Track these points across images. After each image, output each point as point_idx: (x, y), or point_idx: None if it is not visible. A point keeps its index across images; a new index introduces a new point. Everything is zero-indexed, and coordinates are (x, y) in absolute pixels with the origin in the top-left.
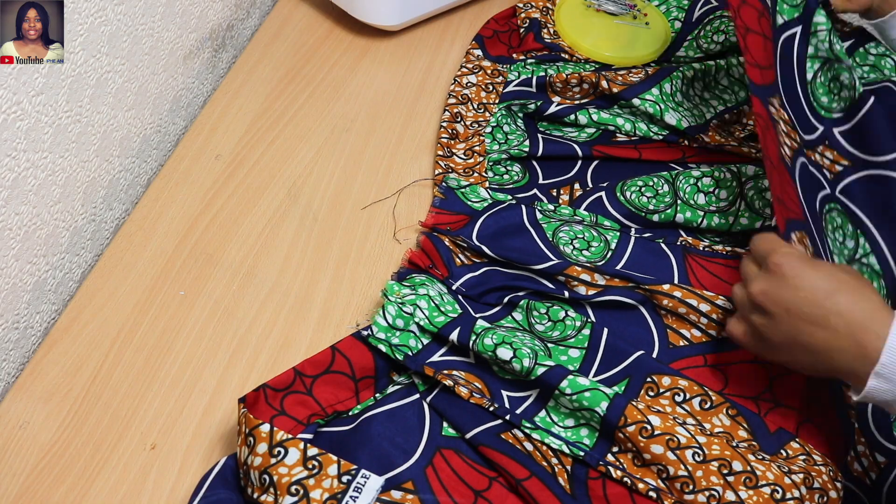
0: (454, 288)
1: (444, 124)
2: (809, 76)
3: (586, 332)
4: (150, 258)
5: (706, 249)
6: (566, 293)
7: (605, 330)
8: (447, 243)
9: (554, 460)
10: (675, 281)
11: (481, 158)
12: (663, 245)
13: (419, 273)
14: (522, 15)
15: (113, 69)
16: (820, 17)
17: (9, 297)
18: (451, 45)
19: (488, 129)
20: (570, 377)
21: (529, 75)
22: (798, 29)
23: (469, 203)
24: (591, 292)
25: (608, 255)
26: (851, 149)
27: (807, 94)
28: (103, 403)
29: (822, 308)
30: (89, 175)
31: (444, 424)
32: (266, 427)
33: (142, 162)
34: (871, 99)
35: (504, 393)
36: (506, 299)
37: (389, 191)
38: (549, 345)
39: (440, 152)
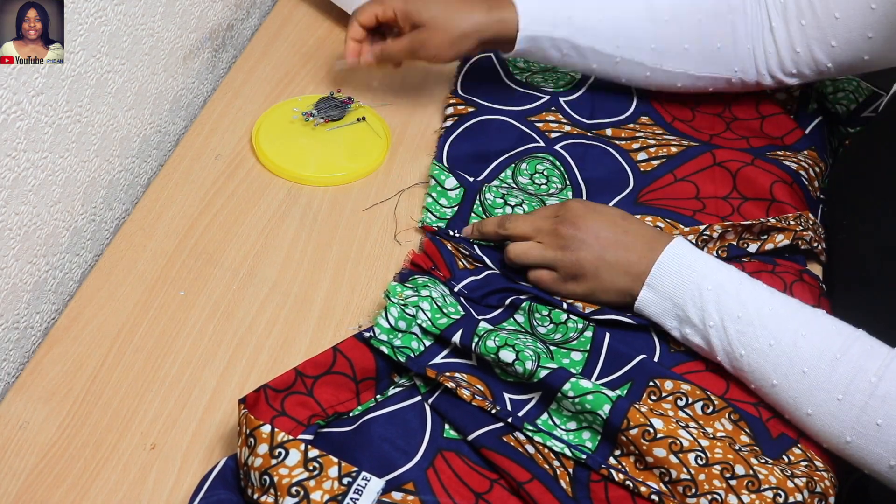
0: (456, 290)
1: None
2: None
3: (588, 334)
4: (150, 258)
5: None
6: (565, 304)
7: (608, 334)
8: (450, 247)
9: (556, 463)
10: (634, 103)
11: None
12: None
13: (421, 274)
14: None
15: (113, 69)
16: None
17: (9, 297)
18: None
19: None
20: (573, 380)
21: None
22: None
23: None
24: (588, 310)
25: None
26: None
27: None
28: (103, 403)
29: (623, 228)
30: (89, 175)
31: (446, 426)
32: (267, 428)
33: (142, 162)
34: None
35: (506, 395)
36: (507, 301)
37: (389, 191)
38: (552, 347)
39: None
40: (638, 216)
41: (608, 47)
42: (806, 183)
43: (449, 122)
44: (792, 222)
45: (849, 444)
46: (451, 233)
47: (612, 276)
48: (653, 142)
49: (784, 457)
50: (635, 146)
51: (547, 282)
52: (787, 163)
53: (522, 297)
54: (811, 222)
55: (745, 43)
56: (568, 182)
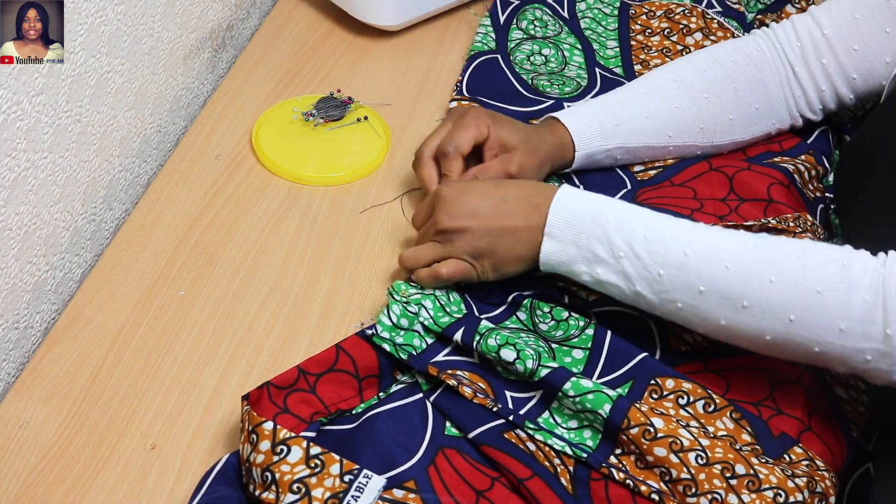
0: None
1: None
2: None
3: (590, 331)
4: (150, 258)
5: None
6: (566, 298)
7: (609, 332)
8: None
9: (556, 461)
10: None
11: None
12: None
13: None
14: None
15: (113, 69)
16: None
17: (9, 297)
18: (451, 45)
19: None
20: (574, 379)
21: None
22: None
23: None
24: (591, 297)
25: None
26: None
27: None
28: (103, 403)
29: (498, 196)
30: (89, 175)
31: (447, 424)
32: (269, 425)
33: (142, 162)
34: None
35: (508, 393)
36: (510, 298)
37: (389, 191)
38: (553, 345)
39: None
40: None
41: (660, 140)
42: (800, 185)
43: None
44: (791, 223)
45: (792, 322)
46: None
47: (508, 246)
48: None
49: (785, 456)
50: None
51: (453, 269)
52: (784, 165)
53: (525, 293)
54: (809, 223)
55: (778, 94)
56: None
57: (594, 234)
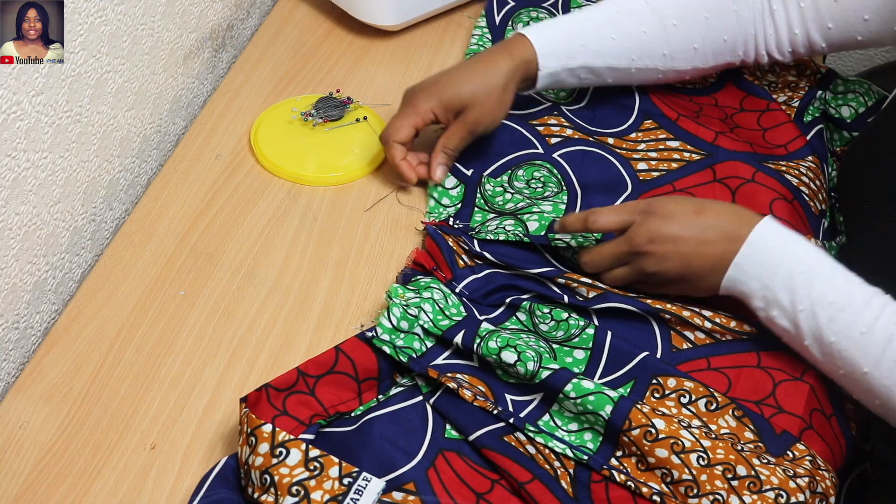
0: (457, 290)
1: None
2: None
3: (590, 331)
4: (150, 258)
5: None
6: (566, 298)
7: (609, 331)
8: (451, 243)
9: (557, 463)
10: (637, 104)
11: None
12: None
13: (424, 275)
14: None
15: (113, 69)
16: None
17: (9, 297)
18: (451, 45)
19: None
20: (575, 380)
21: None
22: None
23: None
24: (591, 294)
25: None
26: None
27: None
28: (103, 403)
29: (697, 226)
30: (89, 175)
31: (447, 426)
32: (268, 427)
33: (142, 162)
34: None
35: (508, 396)
36: (508, 300)
37: (389, 190)
38: (554, 345)
39: None
40: None
41: (623, 62)
42: (807, 199)
43: None
44: None
45: None
46: (452, 223)
47: (700, 278)
48: (654, 154)
49: (788, 452)
50: (636, 156)
51: (629, 280)
52: (789, 177)
53: (523, 296)
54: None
55: (749, 29)
56: (564, 187)
57: (781, 281)
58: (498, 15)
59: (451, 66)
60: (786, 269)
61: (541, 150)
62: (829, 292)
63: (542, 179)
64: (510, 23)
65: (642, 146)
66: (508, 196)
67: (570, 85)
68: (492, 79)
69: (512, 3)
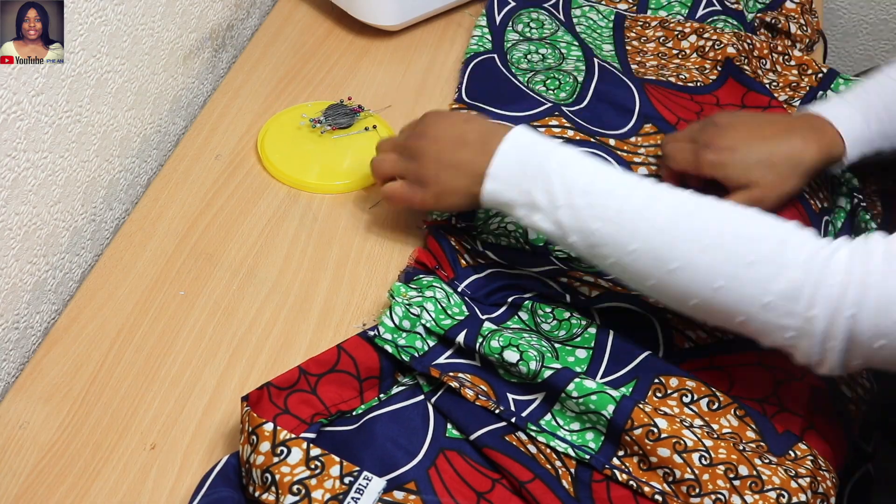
0: (459, 290)
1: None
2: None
3: (592, 330)
4: (150, 258)
5: (663, 80)
6: (568, 297)
7: (611, 331)
8: (453, 242)
9: (558, 463)
10: (637, 108)
11: None
12: (623, 77)
13: (426, 274)
14: None
15: (113, 69)
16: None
17: (9, 297)
18: (451, 45)
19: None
20: (577, 380)
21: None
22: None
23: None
24: (594, 293)
25: (576, 92)
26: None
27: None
28: (103, 403)
29: (462, 129)
30: (89, 175)
31: (448, 426)
32: (269, 426)
33: (142, 162)
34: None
35: (510, 396)
36: (510, 300)
37: None
38: (557, 345)
39: None
40: None
41: None
42: (806, 197)
43: None
44: None
45: (718, 290)
46: (454, 222)
47: (452, 177)
48: (653, 159)
49: (790, 452)
50: (637, 160)
51: (399, 192)
52: None
53: (525, 295)
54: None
55: None
56: None
57: (536, 181)
58: (499, 15)
59: (747, 129)
60: (540, 169)
61: None
62: (583, 181)
63: None
64: (510, 23)
65: (642, 150)
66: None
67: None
68: (788, 168)
69: (513, 3)
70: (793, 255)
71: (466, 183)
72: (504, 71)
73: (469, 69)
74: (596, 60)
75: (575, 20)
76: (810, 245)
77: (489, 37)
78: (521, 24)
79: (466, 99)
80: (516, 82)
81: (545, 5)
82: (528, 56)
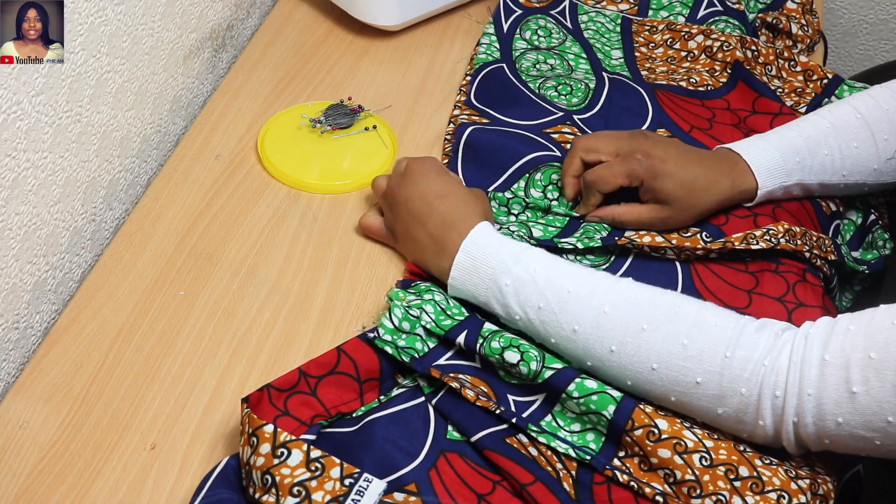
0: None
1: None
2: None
3: None
4: (150, 258)
5: (674, 86)
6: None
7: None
8: None
9: (559, 465)
10: (651, 114)
11: None
12: (634, 84)
13: (423, 281)
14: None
15: (113, 69)
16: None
17: (9, 297)
18: (451, 45)
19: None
20: (578, 380)
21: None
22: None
23: None
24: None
25: (588, 98)
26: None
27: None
28: (103, 403)
29: (430, 205)
30: (89, 175)
31: (449, 428)
32: (269, 427)
33: (142, 162)
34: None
35: (510, 397)
36: None
37: None
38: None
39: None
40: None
41: (835, 178)
42: (818, 198)
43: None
44: (799, 241)
45: (673, 402)
46: None
47: (414, 247)
48: None
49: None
50: None
51: (374, 228)
52: None
53: None
54: (815, 239)
55: None
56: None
57: (494, 296)
58: (506, 23)
59: (677, 149)
60: (493, 283)
61: (558, 154)
62: (535, 297)
63: (559, 185)
64: (518, 30)
65: None
66: (512, 217)
67: (778, 199)
68: (704, 197)
69: (520, 11)
70: (737, 372)
71: (425, 257)
72: (513, 79)
73: (478, 78)
74: (604, 73)
75: (582, 26)
76: (755, 355)
77: (497, 45)
78: (529, 31)
79: (475, 103)
80: (526, 90)
81: (552, 12)
82: (538, 65)
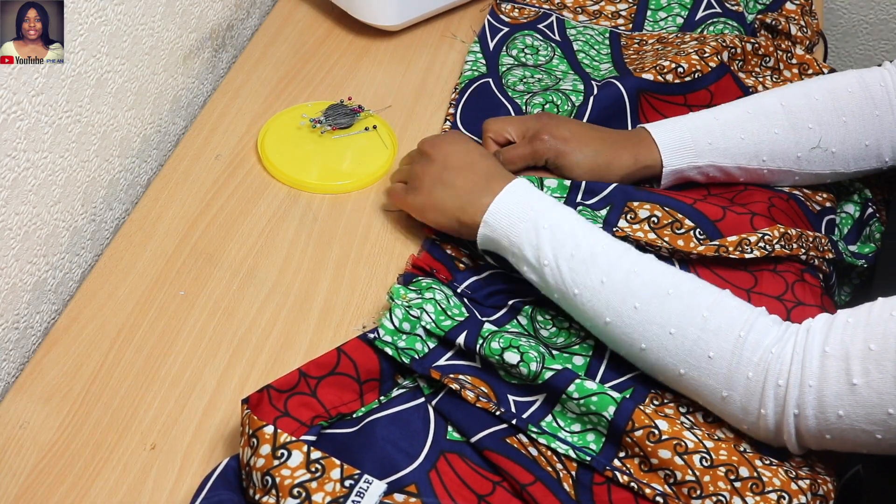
0: (459, 291)
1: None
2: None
3: (591, 340)
4: (150, 258)
5: (660, 82)
6: None
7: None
8: (449, 251)
9: (559, 465)
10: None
11: None
12: (621, 91)
13: (424, 277)
14: None
15: (113, 69)
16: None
17: (9, 297)
18: (451, 45)
19: None
20: (578, 381)
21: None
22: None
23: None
24: None
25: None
26: None
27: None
28: (103, 403)
29: (472, 158)
30: (89, 175)
31: (449, 428)
32: (269, 429)
33: (142, 162)
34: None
35: (510, 397)
36: (510, 302)
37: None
38: (554, 351)
39: None
40: (636, 202)
41: (753, 163)
42: (801, 199)
43: None
44: (795, 245)
45: (682, 376)
46: None
47: (444, 196)
48: None
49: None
50: None
51: (393, 191)
52: (780, 189)
53: (526, 299)
54: (811, 238)
55: (894, 134)
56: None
57: (528, 238)
58: (492, 41)
59: (582, 129)
60: (532, 227)
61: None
62: (570, 245)
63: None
64: (504, 47)
65: None
66: None
67: (700, 181)
68: (608, 173)
69: (506, 29)
70: (749, 354)
71: (455, 206)
72: (499, 95)
73: (464, 97)
74: (594, 83)
75: (571, 38)
76: (766, 341)
77: (483, 61)
78: (516, 49)
79: (461, 128)
80: (510, 107)
81: (539, 26)
82: (524, 80)
